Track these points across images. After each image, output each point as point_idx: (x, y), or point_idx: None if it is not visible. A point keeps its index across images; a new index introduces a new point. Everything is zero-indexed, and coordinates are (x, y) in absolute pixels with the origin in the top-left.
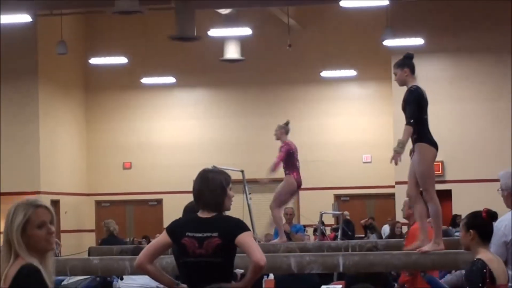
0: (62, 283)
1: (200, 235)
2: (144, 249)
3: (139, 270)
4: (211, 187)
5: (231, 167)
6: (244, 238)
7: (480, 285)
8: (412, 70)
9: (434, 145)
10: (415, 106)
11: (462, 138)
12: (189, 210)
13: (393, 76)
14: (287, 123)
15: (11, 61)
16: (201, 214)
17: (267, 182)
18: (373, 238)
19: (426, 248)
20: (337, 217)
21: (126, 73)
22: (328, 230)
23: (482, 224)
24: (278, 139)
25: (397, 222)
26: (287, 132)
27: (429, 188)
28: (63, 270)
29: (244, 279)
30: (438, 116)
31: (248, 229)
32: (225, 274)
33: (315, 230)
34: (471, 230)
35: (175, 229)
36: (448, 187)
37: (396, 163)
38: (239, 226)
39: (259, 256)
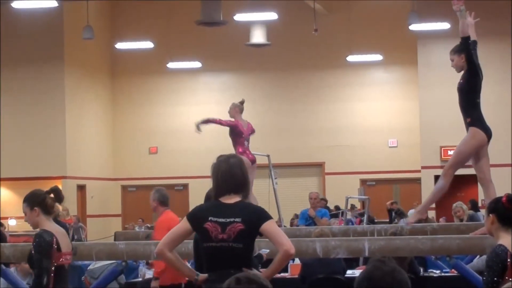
0: (88, 268)
1: (223, 220)
2: (164, 237)
3: (159, 258)
4: (245, 171)
5: (256, 151)
6: (270, 226)
7: (501, 271)
8: None
9: (486, 131)
10: (469, 57)
11: (488, 122)
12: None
13: (419, 59)
14: (242, 102)
15: (37, 46)
16: (225, 199)
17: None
18: (401, 223)
19: (410, 218)
20: (363, 202)
21: (152, 58)
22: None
23: (501, 208)
24: (231, 116)
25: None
26: (241, 110)
27: (452, 166)
28: (89, 255)
29: (272, 266)
30: None
31: (271, 217)
32: (244, 260)
33: (341, 214)
34: (491, 215)
35: (196, 214)
36: (474, 172)
37: None
38: (263, 214)
39: (289, 245)
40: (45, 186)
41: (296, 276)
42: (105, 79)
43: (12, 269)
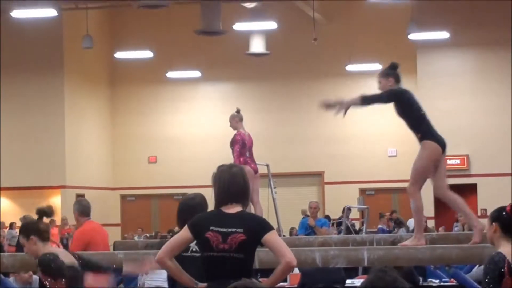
0: None
1: (224, 230)
2: (164, 245)
3: (159, 266)
4: (246, 181)
5: (256, 161)
6: (272, 237)
7: (499, 279)
8: (397, 79)
9: (439, 142)
10: (384, 97)
11: (488, 132)
12: (186, 210)
13: (418, 68)
14: (238, 111)
15: (37, 55)
16: (226, 209)
17: None
18: (401, 232)
19: (406, 242)
20: (362, 211)
21: (152, 67)
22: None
23: (505, 217)
24: (234, 128)
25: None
26: (241, 119)
27: (414, 184)
28: None
29: (273, 277)
30: (463, 109)
31: (273, 228)
32: (245, 270)
33: (338, 224)
34: (494, 223)
35: (198, 223)
36: (473, 181)
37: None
38: (265, 225)
39: (291, 257)
40: (45, 196)
41: (295, 285)
42: (105, 88)
43: (11, 278)
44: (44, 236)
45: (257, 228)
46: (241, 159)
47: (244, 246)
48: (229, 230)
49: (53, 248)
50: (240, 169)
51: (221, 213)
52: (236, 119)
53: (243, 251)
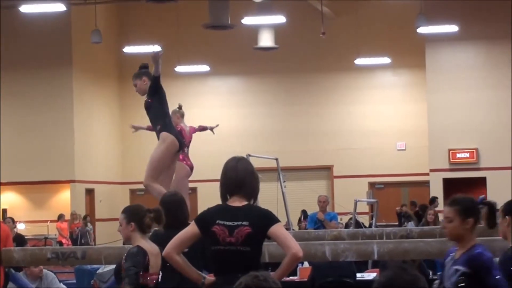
0: (97, 272)
1: (230, 223)
2: (172, 240)
3: (167, 260)
4: (255, 175)
5: (265, 155)
6: (277, 229)
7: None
8: (150, 77)
9: (177, 137)
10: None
11: (497, 125)
12: (173, 203)
13: (427, 62)
14: (180, 107)
15: (46, 50)
16: (232, 203)
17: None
18: (410, 226)
19: None
20: (371, 205)
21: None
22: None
23: None
24: (175, 124)
25: (430, 210)
26: (182, 115)
27: (153, 176)
28: (98, 259)
29: (280, 269)
30: (472, 103)
31: (279, 220)
32: (253, 263)
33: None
34: (507, 217)
35: (204, 218)
36: (483, 175)
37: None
38: (271, 217)
39: (297, 248)
40: (54, 190)
41: (305, 279)
42: (113, 83)
43: (21, 273)
44: (144, 229)
45: (263, 221)
46: (180, 156)
47: (250, 239)
48: (235, 223)
49: (149, 244)
50: (236, 163)
51: (227, 207)
52: (177, 115)
53: (250, 244)
